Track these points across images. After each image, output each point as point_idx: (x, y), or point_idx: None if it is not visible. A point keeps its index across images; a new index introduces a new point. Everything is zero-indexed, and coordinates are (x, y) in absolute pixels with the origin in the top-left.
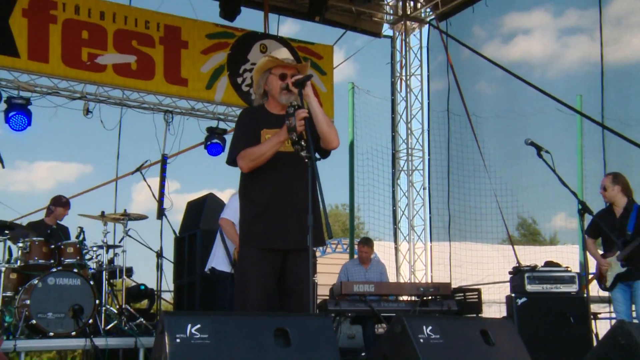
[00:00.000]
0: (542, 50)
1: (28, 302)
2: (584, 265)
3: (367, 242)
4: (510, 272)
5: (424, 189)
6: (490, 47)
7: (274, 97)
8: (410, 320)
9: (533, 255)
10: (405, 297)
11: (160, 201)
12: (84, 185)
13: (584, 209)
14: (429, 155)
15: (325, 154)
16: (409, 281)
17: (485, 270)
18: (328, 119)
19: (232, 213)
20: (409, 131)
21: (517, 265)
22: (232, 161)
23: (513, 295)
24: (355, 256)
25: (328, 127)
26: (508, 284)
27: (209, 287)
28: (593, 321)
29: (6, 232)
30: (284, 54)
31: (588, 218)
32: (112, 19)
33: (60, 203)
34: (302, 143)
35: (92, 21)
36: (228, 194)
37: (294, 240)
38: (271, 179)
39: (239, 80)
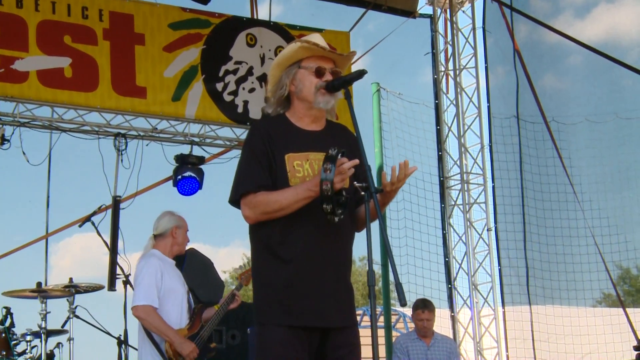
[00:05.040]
0: (638, 23)
1: None
2: None
3: (427, 305)
4: (635, 347)
5: (488, 230)
6: (558, 25)
7: (304, 101)
8: None
9: None
10: None
11: (115, 263)
12: None
13: None
14: (492, 181)
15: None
16: None
17: (583, 345)
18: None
19: (147, 293)
20: (463, 148)
21: None
22: (236, 201)
23: None
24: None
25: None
26: None
27: None
28: None
29: None
30: (320, 39)
31: None
32: (34, 6)
33: None
34: (334, 204)
35: (5, 10)
36: (208, 249)
37: (338, 314)
38: (304, 224)
39: (219, 86)
